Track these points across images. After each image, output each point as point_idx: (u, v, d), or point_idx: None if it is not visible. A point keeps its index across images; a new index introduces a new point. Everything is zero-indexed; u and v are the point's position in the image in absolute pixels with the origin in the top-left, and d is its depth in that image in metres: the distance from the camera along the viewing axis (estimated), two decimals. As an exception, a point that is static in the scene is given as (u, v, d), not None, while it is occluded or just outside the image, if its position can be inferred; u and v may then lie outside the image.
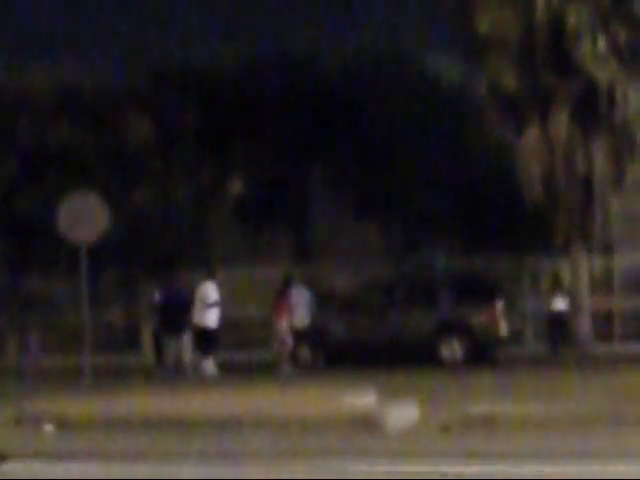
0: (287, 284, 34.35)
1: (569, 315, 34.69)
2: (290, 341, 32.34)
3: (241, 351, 35.05)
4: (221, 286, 33.69)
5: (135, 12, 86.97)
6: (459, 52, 36.92)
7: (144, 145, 36.74)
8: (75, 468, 13.64)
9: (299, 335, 32.35)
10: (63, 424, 18.38)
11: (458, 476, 11.69)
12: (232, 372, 30.89)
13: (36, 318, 38.67)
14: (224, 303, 33.67)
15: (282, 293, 33.48)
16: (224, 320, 33.18)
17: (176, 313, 31.66)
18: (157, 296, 33.23)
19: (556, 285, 36.14)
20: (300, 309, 32.63)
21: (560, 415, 17.18)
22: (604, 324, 37.11)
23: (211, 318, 30.79)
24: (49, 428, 18.35)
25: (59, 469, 13.50)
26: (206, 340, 31.05)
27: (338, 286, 37.60)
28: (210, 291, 31.16)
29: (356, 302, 34.23)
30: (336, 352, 32.25)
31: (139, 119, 37.08)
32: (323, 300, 34.81)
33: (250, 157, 39.07)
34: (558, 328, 34.50)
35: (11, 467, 13.49)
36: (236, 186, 39.69)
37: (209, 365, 30.37)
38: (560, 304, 34.38)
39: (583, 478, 10.76)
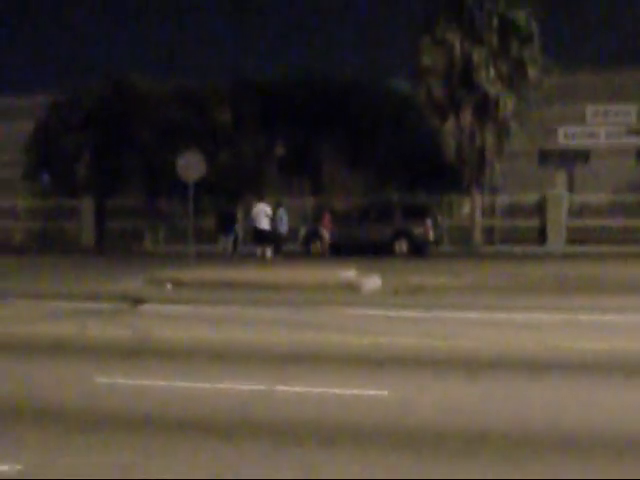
0: (325, 210, 36.75)
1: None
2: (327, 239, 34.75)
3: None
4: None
5: (224, 36, 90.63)
6: (410, 76, 38.48)
7: (227, 125, 38.81)
8: (182, 309, 17.38)
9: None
10: (176, 284, 21.60)
11: (400, 317, 15.66)
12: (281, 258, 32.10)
13: (162, 226, 41.48)
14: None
15: (324, 215, 35.96)
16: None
17: (229, 222, 35.01)
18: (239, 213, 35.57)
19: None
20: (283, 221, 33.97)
21: (462, 285, 21.64)
22: (489, 234, 39.26)
23: (266, 224, 32.51)
24: (168, 286, 21.49)
25: (174, 309, 17.30)
26: (265, 237, 32.69)
27: (338, 210, 38.29)
28: (268, 208, 32.77)
29: (348, 219, 36.34)
30: (336, 247, 34.48)
31: (224, 109, 38.88)
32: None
33: (288, 134, 40.24)
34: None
35: (145, 307, 17.34)
36: (279, 150, 41.01)
37: (269, 252, 31.99)
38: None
39: (480, 319, 14.78)
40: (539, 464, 6.43)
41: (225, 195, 37.21)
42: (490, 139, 36.68)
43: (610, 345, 11.95)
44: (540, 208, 38.64)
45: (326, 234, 34.86)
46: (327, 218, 35.46)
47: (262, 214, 32.80)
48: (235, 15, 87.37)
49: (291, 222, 37.74)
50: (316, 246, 35.40)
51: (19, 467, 6.55)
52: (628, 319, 15.02)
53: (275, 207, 34.09)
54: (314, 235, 35.79)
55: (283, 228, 34.07)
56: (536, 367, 10.43)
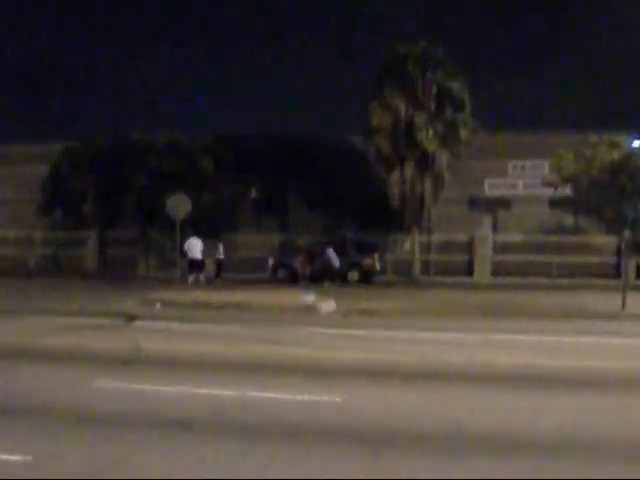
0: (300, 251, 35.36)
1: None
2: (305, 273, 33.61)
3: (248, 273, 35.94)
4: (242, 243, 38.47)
5: (204, 92, 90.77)
6: (362, 133, 37.18)
7: (209, 172, 37.67)
8: (168, 325, 16.98)
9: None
10: (165, 303, 21.29)
11: (349, 335, 15.41)
12: (247, 283, 31.77)
13: (153, 255, 41.03)
14: (249, 251, 38.65)
15: (306, 252, 34.62)
16: (245, 261, 37.71)
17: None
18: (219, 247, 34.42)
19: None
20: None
21: (403, 309, 21.31)
22: (426, 267, 38.44)
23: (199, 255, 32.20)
24: (158, 305, 21.12)
25: (162, 325, 16.99)
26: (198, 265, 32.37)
27: (302, 245, 37.01)
28: (193, 245, 32.07)
29: (311, 251, 34.43)
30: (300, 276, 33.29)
31: (207, 159, 38.05)
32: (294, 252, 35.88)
33: (260, 179, 39.49)
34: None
35: (138, 323, 17.27)
36: (252, 193, 40.35)
37: (201, 277, 32.21)
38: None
39: (415, 338, 14.80)
40: (468, 460, 6.57)
41: (207, 230, 35.53)
42: (428, 188, 36.43)
43: (512, 360, 11.96)
44: (469, 245, 38.62)
45: (302, 269, 34.16)
46: (301, 257, 34.74)
47: (197, 246, 32.50)
48: (215, 74, 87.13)
49: (261, 254, 37.89)
50: (281, 274, 34.75)
51: (29, 457, 6.47)
52: (532, 339, 15.06)
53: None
54: (281, 265, 35.19)
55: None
56: (458, 378, 10.51)
